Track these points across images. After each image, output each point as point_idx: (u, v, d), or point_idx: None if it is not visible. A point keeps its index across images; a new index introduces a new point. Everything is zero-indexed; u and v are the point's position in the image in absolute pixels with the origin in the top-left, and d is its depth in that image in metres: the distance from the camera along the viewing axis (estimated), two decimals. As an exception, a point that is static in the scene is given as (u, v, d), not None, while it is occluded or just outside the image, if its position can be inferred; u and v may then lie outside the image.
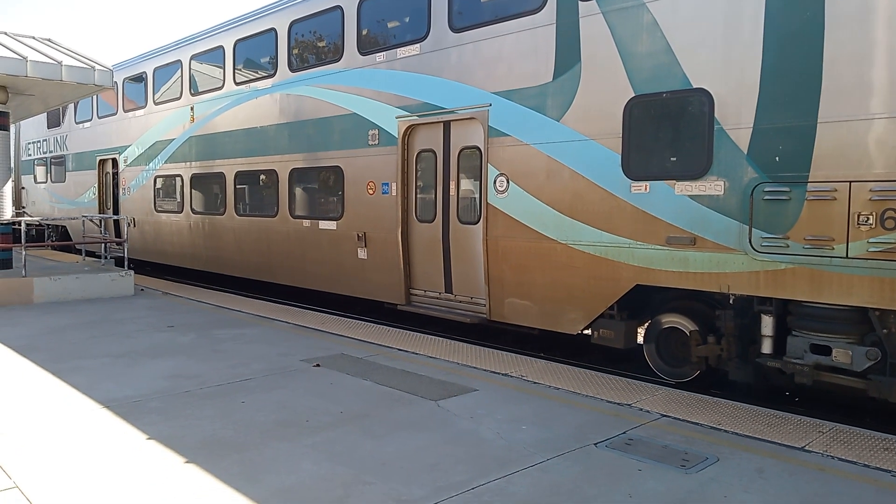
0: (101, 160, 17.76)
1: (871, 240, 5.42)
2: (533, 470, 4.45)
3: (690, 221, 6.47)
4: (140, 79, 15.92)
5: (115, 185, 17.27)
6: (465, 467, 4.48)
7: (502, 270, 8.19)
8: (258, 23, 12.08)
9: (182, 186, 14.48)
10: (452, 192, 8.96)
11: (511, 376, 6.76)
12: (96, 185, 17.96)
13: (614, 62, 7.01)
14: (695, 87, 6.43)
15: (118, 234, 16.79)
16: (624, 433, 5.15)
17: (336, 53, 10.47)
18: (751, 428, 5.28)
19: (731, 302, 6.50)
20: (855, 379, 5.82)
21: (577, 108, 7.36)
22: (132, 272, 12.50)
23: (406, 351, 7.85)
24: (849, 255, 5.54)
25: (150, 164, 15.53)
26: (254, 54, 12.39)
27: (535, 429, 5.23)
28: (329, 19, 10.59)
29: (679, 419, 5.49)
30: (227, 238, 13.19)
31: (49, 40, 12.34)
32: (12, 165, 16.01)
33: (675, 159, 6.64)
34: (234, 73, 12.78)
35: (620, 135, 6.97)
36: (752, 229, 6.05)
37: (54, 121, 20.17)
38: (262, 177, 12.25)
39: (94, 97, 17.22)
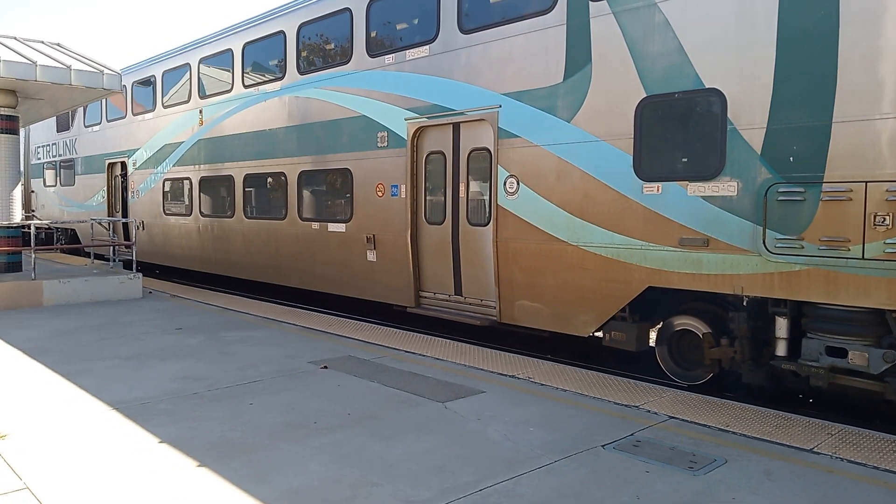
0: (110, 163, 17.82)
1: (887, 240, 5.35)
2: (540, 472, 4.44)
3: (703, 223, 6.41)
4: (149, 82, 15.97)
5: (124, 189, 17.33)
6: (473, 469, 4.47)
7: (512, 272, 8.15)
8: (267, 25, 12.10)
9: (191, 189, 14.50)
10: (462, 193, 8.93)
11: (518, 378, 6.74)
12: (105, 189, 18.03)
13: (626, 62, 6.97)
14: (707, 87, 6.38)
15: (127, 237, 16.84)
16: (631, 435, 5.14)
17: (345, 56, 10.47)
18: (759, 429, 5.26)
19: (744, 304, 6.44)
20: (872, 382, 5.74)
21: (587, 109, 7.32)
22: (140, 275, 12.53)
23: (413, 353, 7.83)
24: (865, 257, 5.47)
25: (159, 168, 15.57)
26: (262, 57, 12.41)
27: (543, 430, 5.22)
28: (338, 21, 10.59)
29: (687, 421, 5.48)
30: (236, 241, 13.20)
31: (58, 45, 12.40)
32: (21, 169, 16.09)
33: (687, 160, 6.58)
34: (242, 75, 12.80)
35: (632, 135, 6.92)
36: (766, 230, 5.99)
37: (63, 124, 20.26)
38: (271, 179, 12.26)
39: (104, 101, 17.29)
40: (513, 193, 8.07)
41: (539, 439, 5.02)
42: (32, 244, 12.08)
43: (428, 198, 9.41)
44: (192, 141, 14.33)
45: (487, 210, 8.55)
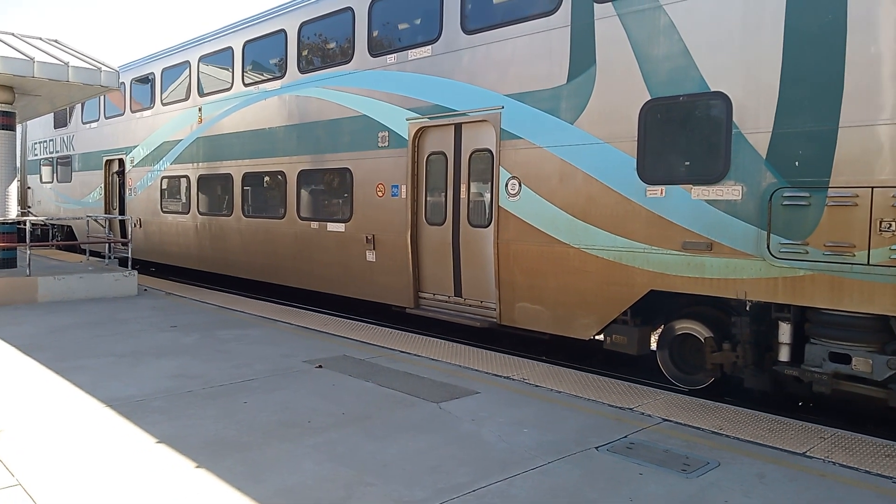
0: (107, 160, 17.73)
1: (893, 247, 5.32)
2: (534, 473, 4.44)
3: (707, 226, 6.38)
4: (148, 80, 15.89)
5: (122, 186, 17.24)
6: (467, 469, 4.47)
7: (513, 274, 8.10)
8: (268, 24, 12.04)
9: (189, 187, 14.43)
10: (463, 194, 8.88)
11: (513, 379, 6.75)
12: (102, 186, 17.93)
13: (630, 65, 6.94)
14: (712, 90, 6.35)
15: (124, 234, 16.75)
16: (625, 437, 5.13)
17: (346, 55, 10.42)
18: (752, 433, 5.26)
19: (747, 308, 6.40)
20: (875, 388, 5.71)
21: (591, 111, 7.28)
22: (136, 272, 12.48)
23: (408, 353, 7.83)
24: (870, 262, 5.44)
25: (157, 165, 15.49)
26: (263, 56, 12.35)
27: (537, 432, 5.22)
28: (339, 21, 10.54)
29: (680, 423, 5.48)
30: (234, 239, 13.13)
31: (56, 41, 12.34)
32: (18, 165, 15.99)
33: (691, 163, 6.55)
34: (242, 74, 12.74)
35: (636, 138, 6.88)
36: (771, 235, 5.96)
37: (61, 121, 20.16)
38: (270, 178, 12.19)
39: (101, 98, 17.20)
40: (515, 195, 8.02)
41: (533, 440, 5.02)
42: (28, 241, 11.99)
43: (428, 198, 9.36)
44: (190, 139, 14.25)
45: (489, 211, 8.50)
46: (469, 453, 4.76)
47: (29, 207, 22.32)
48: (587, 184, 7.30)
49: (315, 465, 4.51)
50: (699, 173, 6.46)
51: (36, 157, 22.27)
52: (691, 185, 6.49)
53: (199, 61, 14.02)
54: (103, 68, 11.49)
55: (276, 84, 11.84)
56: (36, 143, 22.27)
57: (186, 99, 14.40)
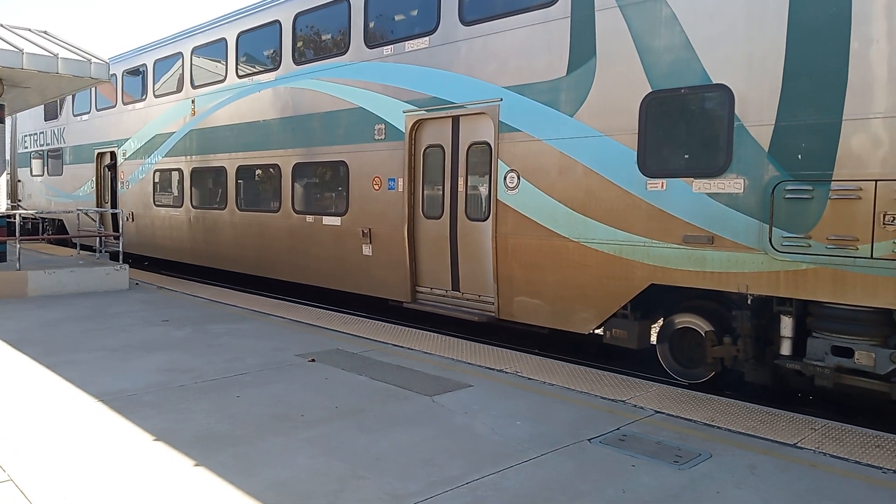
0: (99, 153, 17.54)
1: (897, 240, 5.29)
2: (527, 465, 4.44)
3: (708, 220, 6.33)
4: (140, 71, 15.71)
5: (114, 179, 17.06)
6: (460, 462, 4.47)
7: (512, 268, 8.04)
8: (262, 15, 11.90)
9: (182, 180, 14.28)
10: (461, 188, 8.80)
11: (506, 372, 6.75)
12: (94, 179, 17.75)
13: (631, 57, 6.87)
14: (714, 82, 6.29)
15: (115, 227, 16.59)
16: (618, 429, 5.15)
17: (342, 46, 10.30)
18: (744, 424, 5.28)
19: (748, 302, 6.36)
20: (878, 382, 5.68)
21: (591, 104, 7.21)
22: (127, 266, 12.39)
23: (401, 346, 7.80)
24: (874, 256, 5.40)
25: (150, 158, 15.33)
26: (257, 47, 12.22)
27: (530, 424, 5.22)
28: (335, 11, 10.42)
29: (673, 415, 5.50)
30: (228, 233, 13.01)
31: (45, 33, 12.17)
32: (8, 158, 15.80)
33: (693, 156, 6.50)
34: (236, 65, 12.60)
35: (636, 131, 6.82)
36: (773, 228, 5.92)
37: (51, 113, 19.94)
38: (265, 171, 12.08)
39: (93, 90, 17.00)
40: (513, 188, 7.96)
41: (526, 433, 5.02)
42: (17, 234, 11.85)
43: (426, 192, 9.28)
44: (183, 131, 14.10)
45: (487, 205, 8.43)
46: (462, 446, 4.76)
47: (19, 201, 22.09)
48: (587, 177, 7.24)
49: (308, 458, 4.50)
50: (700, 166, 6.40)
51: (26, 150, 22.03)
52: (692, 179, 6.44)
53: (192, 53, 13.86)
54: (93, 60, 11.34)
55: (271, 76, 11.71)
56: (26, 136, 22.03)
57: (179, 91, 14.25)
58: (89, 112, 17.93)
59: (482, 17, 8.37)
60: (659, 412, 5.56)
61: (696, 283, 6.48)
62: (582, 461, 4.51)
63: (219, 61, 13.07)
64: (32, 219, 21.14)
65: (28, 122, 21.60)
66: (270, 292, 12.44)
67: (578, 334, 7.73)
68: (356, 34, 10.04)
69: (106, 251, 14.48)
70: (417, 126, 9.24)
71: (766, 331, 6.38)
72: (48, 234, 20.29)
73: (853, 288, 5.53)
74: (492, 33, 8.22)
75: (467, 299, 8.82)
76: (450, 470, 4.34)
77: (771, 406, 5.81)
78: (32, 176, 21.52)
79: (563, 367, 7.01)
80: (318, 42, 11.03)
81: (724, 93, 6.22)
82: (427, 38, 9.02)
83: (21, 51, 10.63)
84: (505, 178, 8.04)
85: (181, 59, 14.18)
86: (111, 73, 14.34)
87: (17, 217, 12.14)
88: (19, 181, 22.66)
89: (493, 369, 6.84)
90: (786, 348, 6.10)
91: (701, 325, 6.83)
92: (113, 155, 16.95)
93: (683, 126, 6.62)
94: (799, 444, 4.87)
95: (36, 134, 21.19)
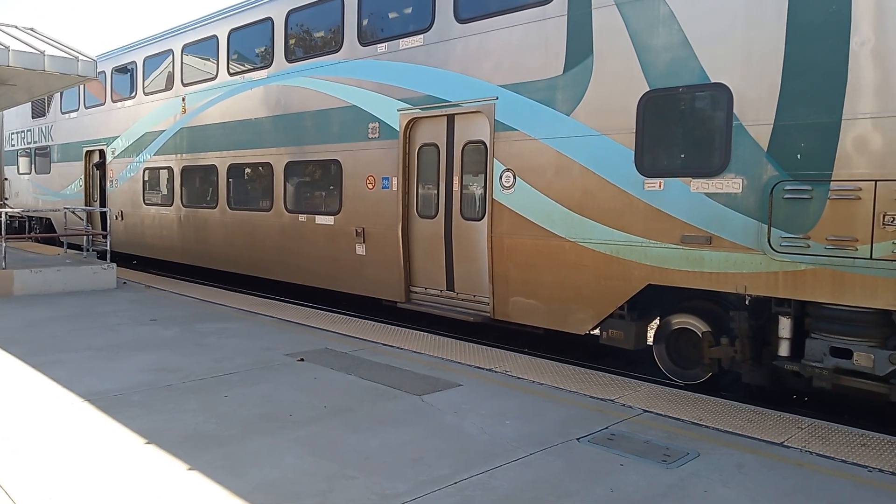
0: (87, 151, 17.34)
1: (897, 240, 5.26)
2: (516, 464, 4.45)
3: (706, 220, 6.29)
4: (130, 69, 15.53)
5: (102, 177, 16.86)
6: (449, 462, 4.47)
7: (507, 268, 7.97)
8: (254, 12, 11.77)
9: (172, 179, 14.12)
10: (455, 187, 8.73)
11: (495, 371, 6.74)
12: (83, 177, 17.53)
13: (628, 55, 6.82)
14: (713, 81, 6.25)
15: (104, 226, 16.41)
16: (606, 428, 5.16)
17: (335, 44, 10.20)
18: (731, 423, 5.31)
19: (746, 303, 6.32)
20: (877, 383, 5.65)
21: (588, 103, 7.15)
22: (114, 265, 12.25)
23: (391, 346, 7.77)
24: (873, 257, 5.37)
25: (139, 156, 15.15)
26: (249, 44, 12.08)
27: (519, 423, 5.22)
28: (328, 8, 10.31)
29: (661, 414, 5.52)
30: (219, 232, 12.87)
31: (32, 30, 12.01)
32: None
33: (691, 156, 6.45)
34: (228, 63, 12.46)
35: (634, 130, 6.77)
36: (772, 228, 5.88)
37: (39, 111, 19.70)
38: (257, 170, 11.95)
39: (81, 87, 16.79)
40: (509, 188, 7.89)
41: (515, 432, 5.02)
42: (3, 232, 11.67)
43: (420, 191, 9.20)
44: (174, 129, 13.95)
45: (482, 204, 8.36)
46: (451, 445, 4.76)
47: (6, 199, 21.83)
48: (584, 176, 7.18)
49: (296, 458, 4.48)
50: (699, 166, 6.36)
51: (13, 148, 21.76)
52: (690, 178, 6.39)
53: (182, 50, 13.71)
54: (80, 57, 11.20)
55: (263, 73, 11.59)
56: (13, 134, 21.76)
57: (169, 88, 14.08)
58: (78, 110, 17.71)
59: (478, 14, 8.29)
60: (647, 411, 5.58)
61: (694, 284, 6.43)
62: (571, 460, 4.53)
63: (210, 59, 12.93)
64: (19, 217, 20.90)
65: (15, 119, 21.33)
66: (261, 292, 12.33)
67: (569, 333, 7.67)
68: (350, 31, 9.94)
69: (94, 250, 14.30)
70: (412, 125, 9.15)
71: (764, 332, 6.34)
72: (35, 233, 20.06)
73: (852, 289, 5.50)
74: (487, 31, 8.15)
75: (462, 299, 8.75)
76: (439, 469, 4.34)
77: (758, 405, 5.83)
78: (20, 174, 21.25)
79: (553, 366, 7.01)
80: (310, 39, 10.92)
81: (723, 92, 6.18)
82: (422, 36, 8.93)
83: (7, 48, 10.49)
84: (501, 177, 7.97)
85: (171, 57, 14.02)
86: (100, 70, 14.18)
87: (4, 215, 11.92)
88: (6, 179, 22.39)
89: (483, 368, 6.83)
90: (784, 349, 6.07)
91: (698, 326, 6.78)
92: (102, 153, 16.75)
93: (681, 125, 6.57)
94: (786, 443, 4.90)
95: (23, 132, 20.93)
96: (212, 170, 12.91)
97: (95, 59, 11.50)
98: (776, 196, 5.85)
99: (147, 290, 11.99)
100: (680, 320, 6.96)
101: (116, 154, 16.05)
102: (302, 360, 7.04)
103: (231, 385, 6.11)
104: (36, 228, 20.55)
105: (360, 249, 9.90)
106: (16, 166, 21.50)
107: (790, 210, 5.79)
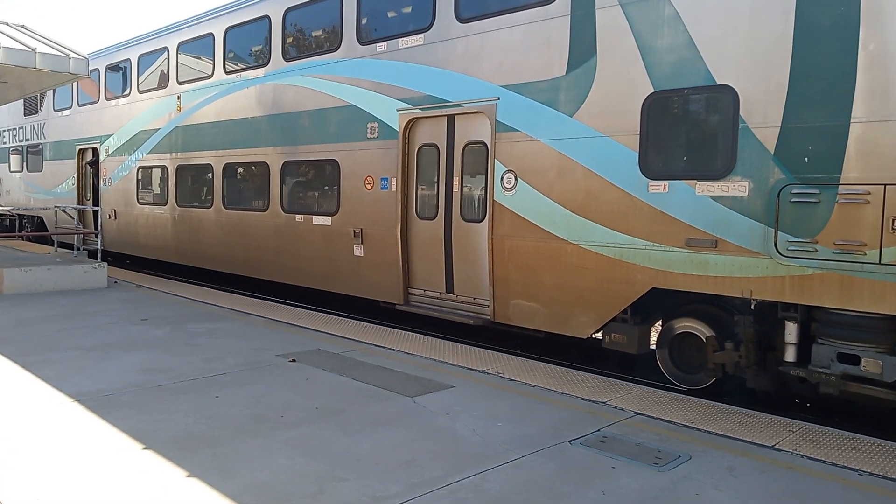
0: (80, 149, 17.15)
1: (906, 245, 5.20)
2: (508, 467, 4.44)
3: (712, 223, 6.21)
4: (124, 66, 15.36)
5: (95, 176, 16.68)
6: (441, 464, 4.45)
7: (508, 271, 7.88)
8: (251, 10, 11.64)
9: (166, 178, 13.97)
10: (455, 188, 8.63)
11: (488, 373, 6.71)
12: (75, 175, 17.35)
13: (633, 56, 6.74)
14: (719, 83, 6.18)
15: (96, 225, 16.24)
16: (598, 431, 5.15)
17: (334, 42, 10.09)
18: (723, 426, 5.30)
19: (751, 307, 6.25)
20: (885, 390, 5.59)
21: (591, 104, 7.07)
22: (105, 264, 12.11)
23: (383, 347, 7.71)
24: (882, 262, 5.31)
25: (133, 155, 14.99)
26: (246, 42, 11.95)
27: (511, 425, 5.21)
28: (327, 7, 10.20)
29: (653, 417, 5.51)
30: (214, 232, 12.73)
31: (23, 27, 11.84)
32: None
33: (696, 158, 6.38)
34: (224, 61, 12.32)
35: (638, 132, 6.69)
36: (778, 232, 5.81)
37: (31, 108, 19.49)
38: (253, 169, 11.82)
39: (74, 84, 16.60)
40: (510, 189, 7.80)
41: (507, 434, 5.01)
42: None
43: (419, 192, 9.10)
44: (168, 128, 13.79)
45: (482, 206, 8.27)
46: (443, 447, 4.73)
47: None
48: (587, 178, 7.10)
49: (287, 460, 4.45)
50: (704, 168, 6.29)
51: (5, 146, 21.52)
52: (695, 181, 6.32)
53: (177, 48, 13.56)
54: (72, 55, 11.04)
55: (260, 72, 11.46)
56: (4, 131, 21.53)
57: (164, 87, 13.93)
58: (71, 107, 17.52)
59: (479, 13, 8.20)
60: (639, 414, 5.57)
61: (699, 288, 6.36)
62: (562, 463, 4.51)
63: (206, 57, 12.78)
64: (10, 215, 20.68)
65: (7, 116, 21.09)
66: (254, 292, 12.21)
67: (566, 336, 7.59)
68: (348, 30, 9.83)
69: (85, 249, 14.13)
70: (411, 125, 9.05)
71: (769, 336, 6.27)
72: (26, 232, 19.85)
73: (860, 294, 5.44)
74: (489, 31, 8.06)
75: (462, 302, 8.65)
76: (430, 471, 4.32)
77: (749, 408, 5.81)
78: (11, 172, 21.02)
79: (545, 367, 6.97)
80: (308, 38, 10.80)
81: (729, 94, 6.11)
82: (422, 35, 8.83)
83: (-2, 45, 10.33)
84: (502, 178, 7.88)
85: (166, 55, 13.87)
86: (94, 67, 14.03)
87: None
88: (-3, 177, 22.14)
89: (475, 370, 6.79)
90: (790, 355, 6.00)
91: (702, 331, 6.71)
92: (95, 151, 16.57)
93: (686, 127, 6.50)
94: (777, 446, 4.90)
95: (15, 129, 20.70)
96: (207, 169, 12.77)
97: (87, 56, 11.35)
98: (783, 199, 5.78)
99: (138, 289, 11.86)
100: (684, 324, 6.88)
101: (110, 152, 15.87)
102: (294, 360, 6.98)
103: (222, 386, 6.07)
104: (27, 227, 20.34)
105: (358, 251, 9.79)
106: (7, 164, 21.26)
107: (797, 214, 5.72)
